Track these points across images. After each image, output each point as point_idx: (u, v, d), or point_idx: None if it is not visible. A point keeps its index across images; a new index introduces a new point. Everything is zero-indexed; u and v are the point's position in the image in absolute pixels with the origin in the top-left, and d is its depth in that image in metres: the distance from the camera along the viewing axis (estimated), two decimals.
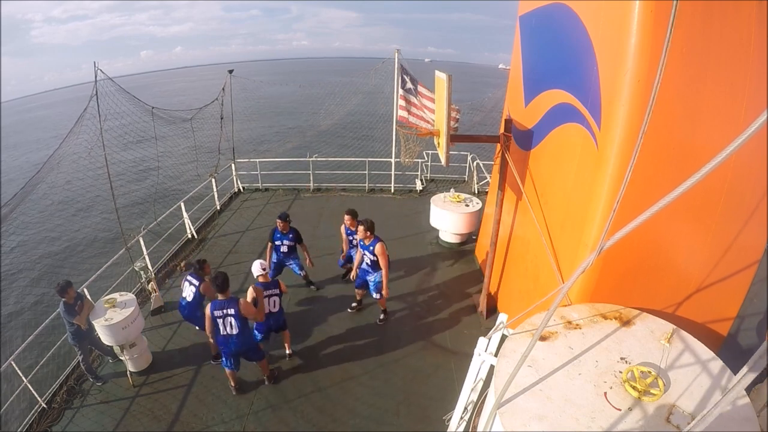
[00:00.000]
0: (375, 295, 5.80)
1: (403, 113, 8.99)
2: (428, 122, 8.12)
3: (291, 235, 6.38)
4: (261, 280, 4.95)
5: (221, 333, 4.44)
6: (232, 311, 4.38)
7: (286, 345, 5.38)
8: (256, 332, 5.09)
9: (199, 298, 5.34)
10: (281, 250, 6.43)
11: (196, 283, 5.30)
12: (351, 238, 6.40)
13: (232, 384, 4.86)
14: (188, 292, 5.34)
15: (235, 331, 4.44)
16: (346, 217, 6.20)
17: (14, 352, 4.63)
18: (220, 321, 4.39)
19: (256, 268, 4.95)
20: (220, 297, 4.42)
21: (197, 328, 5.56)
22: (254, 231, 9.05)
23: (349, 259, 6.51)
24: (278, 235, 6.35)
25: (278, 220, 6.27)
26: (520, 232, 5.57)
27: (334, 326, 5.98)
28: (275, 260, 6.51)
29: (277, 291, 5.03)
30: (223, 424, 4.49)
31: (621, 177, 3.23)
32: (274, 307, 5.03)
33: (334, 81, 15.79)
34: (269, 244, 6.44)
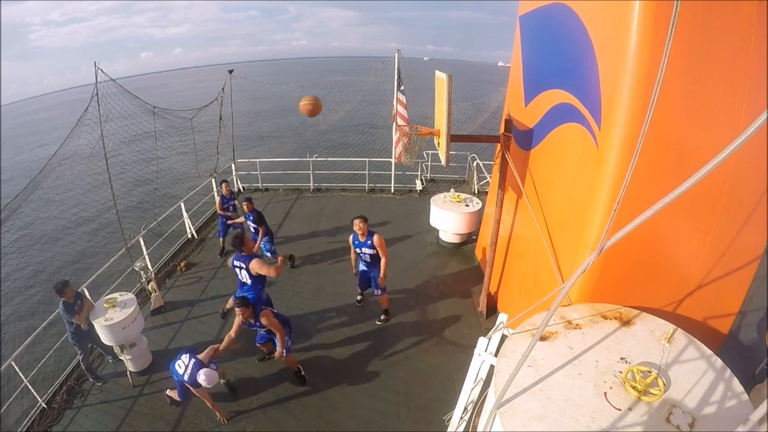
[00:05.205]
0: (376, 292, 5.76)
1: (402, 111, 9.02)
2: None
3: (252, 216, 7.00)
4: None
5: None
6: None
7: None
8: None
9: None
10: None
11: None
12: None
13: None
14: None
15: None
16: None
17: (14, 352, 4.63)
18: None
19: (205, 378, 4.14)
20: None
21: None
22: None
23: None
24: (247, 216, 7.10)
25: (245, 203, 7.01)
26: (520, 231, 5.57)
27: (334, 327, 5.98)
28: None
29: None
30: (222, 426, 4.49)
31: (621, 177, 3.23)
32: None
33: (333, 81, 15.77)
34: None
